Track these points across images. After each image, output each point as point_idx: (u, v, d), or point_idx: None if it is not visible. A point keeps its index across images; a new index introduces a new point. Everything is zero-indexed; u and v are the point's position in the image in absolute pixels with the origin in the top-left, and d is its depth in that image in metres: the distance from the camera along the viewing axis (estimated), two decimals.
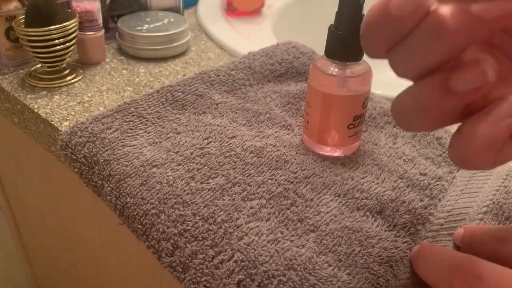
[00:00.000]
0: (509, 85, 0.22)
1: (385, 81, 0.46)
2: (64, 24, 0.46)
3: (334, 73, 0.34)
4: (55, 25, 0.45)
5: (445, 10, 0.19)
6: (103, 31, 0.52)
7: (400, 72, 0.22)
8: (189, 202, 0.31)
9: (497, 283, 0.22)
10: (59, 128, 0.41)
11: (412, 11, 0.20)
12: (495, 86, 0.21)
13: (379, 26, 0.21)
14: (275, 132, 0.39)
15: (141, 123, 0.39)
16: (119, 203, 0.33)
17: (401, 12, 0.20)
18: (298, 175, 0.34)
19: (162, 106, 0.41)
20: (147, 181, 0.33)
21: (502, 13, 0.18)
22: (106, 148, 0.36)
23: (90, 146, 0.37)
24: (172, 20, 0.56)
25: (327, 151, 0.37)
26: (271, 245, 0.29)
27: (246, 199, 0.32)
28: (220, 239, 0.29)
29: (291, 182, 0.34)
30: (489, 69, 0.20)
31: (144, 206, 0.32)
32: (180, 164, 0.35)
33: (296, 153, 0.37)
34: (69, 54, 0.48)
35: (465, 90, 0.20)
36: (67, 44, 0.47)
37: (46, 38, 0.45)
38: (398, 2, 0.20)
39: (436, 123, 0.22)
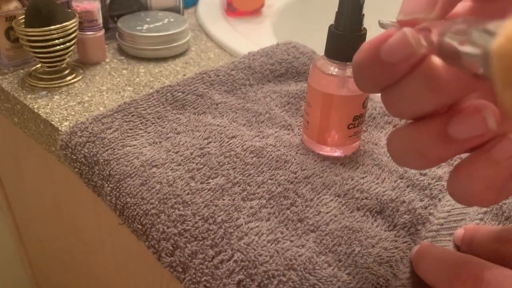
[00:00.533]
0: (510, 120, 0.20)
1: None
2: (64, 24, 0.46)
3: (334, 73, 0.34)
4: (55, 25, 0.45)
5: (438, 60, 0.18)
6: (103, 31, 0.52)
7: (393, 113, 0.21)
8: (189, 202, 0.31)
9: (498, 284, 0.22)
10: (59, 128, 0.41)
11: (403, 59, 0.19)
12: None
13: (369, 70, 0.20)
14: (275, 132, 0.39)
15: (141, 123, 0.39)
16: (119, 203, 0.33)
17: (392, 58, 0.19)
18: (298, 175, 0.34)
19: (162, 106, 0.41)
20: (147, 181, 0.33)
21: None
22: (106, 148, 0.36)
23: (90, 146, 0.37)
24: (172, 20, 0.56)
25: (327, 151, 0.37)
26: (271, 245, 0.29)
27: (246, 199, 0.32)
28: (220, 239, 0.29)
29: (291, 182, 0.34)
30: (489, 117, 0.19)
31: (144, 206, 0.32)
32: (180, 164, 0.35)
33: (296, 153, 0.37)
34: (69, 54, 0.48)
35: (464, 138, 0.19)
36: (67, 44, 0.47)
37: (46, 38, 0.45)
38: (389, 48, 0.19)
39: (436, 163, 0.21)
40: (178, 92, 0.43)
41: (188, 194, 0.32)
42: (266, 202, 0.32)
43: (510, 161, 0.20)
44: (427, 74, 0.19)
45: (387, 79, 0.20)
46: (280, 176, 0.34)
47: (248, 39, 0.59)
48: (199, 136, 0.38)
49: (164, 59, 0.54)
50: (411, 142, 0.21)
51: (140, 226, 0.32)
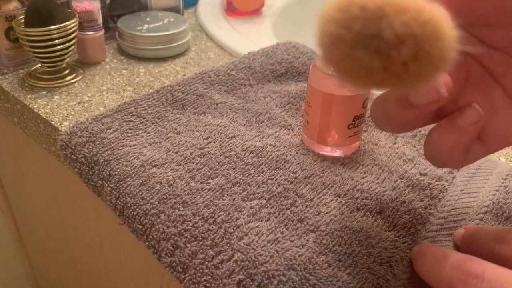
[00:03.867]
0: (479, 91, 0.23)
1: None
2: (64, 24, 0.46)
3: (334, 73, 0.34)
4: (55, 25, 0.45)
5: None
6: (103, 31, 0.52)
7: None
8: (189, 202, 0.31)
9: (498, 284, 0.22)
10: (59, 128, 0.41)
11: None
12: (465, 92, 0.23)
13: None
14: (275, 132, 0.39)
15: (141, 123, 0.39)
16: (119, 203, 0.33)
17: None
18: (298, 175, 0.34)
19: (162, 106, 0.41)
20: (147, 181, 0.33)
21: None
22: (106, 148, 0.36)
23: (90, 146, 0.37)
24: (172, 20, 0.56)
25: (327, 151, 0.37)
26: (271, 245, 0.29)
27: (246, 199, 0.32)
28: (220, 239, 0.29)
29: (291, 182, 0.34)
30: (441, 86, 0.21)
31: (144, 206, 0.32)
32: (180, 164, 0.35)
33: (296, 153, 0.37)
34: (69, 54, 0.48)
35: (421, 104, 0.22)
36: (67, 44, 0.47)
37: (46, 38, 0.45)
38: None
39: (404, 128, 0.24)
40: (178, 92, 0.43)
41: (188, 194, 0.32)
42: (266, 202, 0.32)
43: (472, 127, 0.22)
44: None
45: None
46: (280, 176, 0.34)
47: (248, 39, 0.59)
48: (199, 136, 0.38)
49: (164, 59, 0.54)
50: (382, 107, 0.24)
51: (140, 226, 0.32)
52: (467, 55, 0.23)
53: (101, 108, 0.44)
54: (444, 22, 0.17)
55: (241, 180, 0.33)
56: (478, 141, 0.24)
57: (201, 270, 0.28)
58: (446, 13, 0.17)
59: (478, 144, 0.24)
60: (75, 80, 0.49)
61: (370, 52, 0.17)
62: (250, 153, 0.36)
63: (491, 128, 0.23)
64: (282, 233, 0.30)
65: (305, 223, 0.31)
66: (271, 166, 0.35)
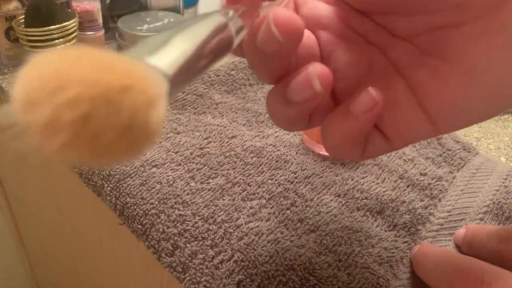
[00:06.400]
0: (380, 83, 0.21)
1: None
2: (64, 24, 0.46)
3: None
4: (55, 25, 0.45)
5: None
6: (103, 31, 0.52)
7: (258, 78, 0.23)
8: (189, 202, 0.31)
9: (498, 286, 0.22)
10: None
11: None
12: (365, 85, 0.21)
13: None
14: (275, 132, 0.39)
15: None
16: (119, 203, 0.33)
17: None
18: (298, 175, 0.34)
19: None
20: (147, 181, 0.33)
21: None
22: None
23: None
24: (172, 20, 0.56)
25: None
26: (271, 245, 0.29)
27: (246, 199, 0.32)
28: (220, 239, 0.29)
29: (291, 182, 0.34)
30: (315, 81, 0.19)
31: (144, 206, 0.32)
32: (180, 164, 0.35)
33: (296, 153, 0.37)
34: None
35: (298, 101, 0.20)
36: (67, 44, 0.47)
37: (46, 38, 0.45)
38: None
39: (290, 124, 0.22)
40: None
41: (188, 194, 0.32)
42: (266, 202, 0.32)
43: (367, 115, 0.20)
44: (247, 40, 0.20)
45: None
46: (280, 176, 0.34)
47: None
48: (199, 136, 0.38)
49: None
50: (268, 104, 0.22)
51: (140, 226, 0.32)
52: (371, 45, 0.21)
53: None
54: (131, 89, 0.14)
55: (241, 180, 0.33)
56: (379, 134, 0.21)
57: (201, 270, 0.28)
58: (145, 74, 0.15)
59: (379, 138, 0.21)
60: None
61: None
62: (250, 153, 0.36)
63: (392, 122, 0.21)
64: (282, 233, 0.30)
65: (305, 223, 0.31)
66: (271, 166, 0.35)
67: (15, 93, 0.15)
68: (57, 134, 0.14)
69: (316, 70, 0.19)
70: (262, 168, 0.35)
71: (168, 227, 0.30)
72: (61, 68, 0.14)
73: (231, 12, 0.19)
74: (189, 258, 0.29)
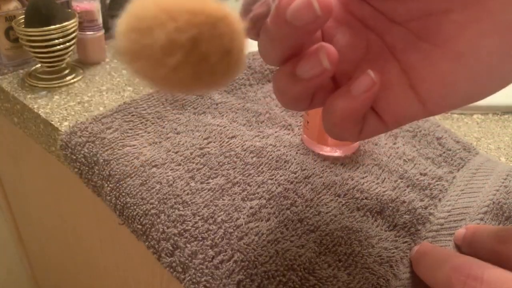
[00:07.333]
0: (375, 66, 0.22)
1: None
2: (64, 24, 0.46)
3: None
4: (55, 25, 0.45)
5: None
6: (103, 31, 0.52)
7: (265, 59, 0.24)
8: (189, 202, 0.31)
9: (498, 286, 0.22)
10: (59, 128, 0.41)
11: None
12: (361, 67, 0.23)
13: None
14: (275, 132, 0.39)
15: (141, 123, 0.39)
16: (119, 203, 0.33)
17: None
18: (298, 175, 0.34)
19: (162, 106, 0.41)
20: (147, 181, 0.33)
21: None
22: (106, 148, 0.36)
23: (90, 146, 0.37)
24: None
25: (327, 151, 0.37)
26: (271, 245, 0.29)
27: (246, 199, 0.32)
28: (220, 239, 0.29)
29: (291, 182, 0.34)
30: (323, 58, 0.21)
31: (144, 206, 0.32)
32: (180, 164, 0.35)
33: (296, 153, 0.37)
34: (69, 54, 0.48)
35: (307, 77, 0.22)
36: (67, 44, 0.47)
37: (46, 38, 0.45)
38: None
39: (297, 101, 0.24)
40: None
41: (188, 194, 0.32)
42: (266, 202, 0.32)
43: (365, 95, 0.22)
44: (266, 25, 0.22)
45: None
46: (280, 176, 0.34)
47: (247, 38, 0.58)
48: (199, 136, 0.38)
49: None
50: (276, 82, 0.24)
51: (140, 226, 0.32)
52: (368, 30, 0.23)
53: (101, 108, 0.44)
54: (225, 19, 0.18)
55: (241, 180, 0.33)
56: (374, 114, 0.23)
57: (201, 270, 0.28)
58: (230, 11, 0.18)
59: (374, 118, 0.23)
60: (75, 80, 0.49)
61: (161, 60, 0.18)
62: (250, 153, 0.36)
63: (385, 103, 0.22)
64: (282, 233, 0.30)
65: (305, 223, 0.31)
66: (271, 166, 0.35)
67: (128, 22, 0.18)
68: (173, 54, 0.17)
69: (325, 48, 0.21)
70: (262, 168, 0.35)
71: (168, 227, 0.30)
72: (167, 1, 0.17)
73: None
74: (189, 258, 0.29)
